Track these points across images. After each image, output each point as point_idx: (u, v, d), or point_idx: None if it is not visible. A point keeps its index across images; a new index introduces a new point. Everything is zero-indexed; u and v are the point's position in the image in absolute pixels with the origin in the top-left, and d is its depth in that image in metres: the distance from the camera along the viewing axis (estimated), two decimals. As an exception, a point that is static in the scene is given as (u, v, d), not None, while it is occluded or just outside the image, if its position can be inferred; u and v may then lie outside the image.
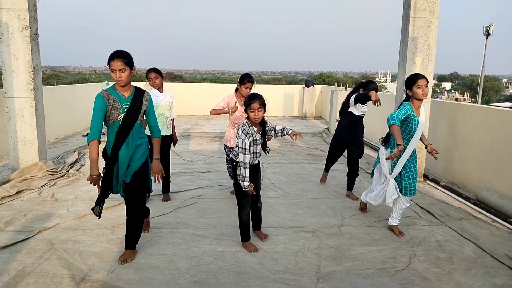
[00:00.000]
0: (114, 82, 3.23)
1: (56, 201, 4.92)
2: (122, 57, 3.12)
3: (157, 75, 4.77)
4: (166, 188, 5.10)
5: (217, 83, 25.96)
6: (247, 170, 3.48)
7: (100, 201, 3.34)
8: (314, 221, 4.43)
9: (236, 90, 4.97)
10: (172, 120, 5.05)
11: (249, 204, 3.71)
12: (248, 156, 3.45)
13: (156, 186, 5.01)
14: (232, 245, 3.77)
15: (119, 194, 3.41)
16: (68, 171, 6.14)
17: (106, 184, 3.30)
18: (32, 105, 5.84)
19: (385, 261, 3.53)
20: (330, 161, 5.70)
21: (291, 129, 3.76)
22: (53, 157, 6.98)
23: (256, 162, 3.72)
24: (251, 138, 3.49)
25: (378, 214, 4.64)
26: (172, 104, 4.96)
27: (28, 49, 5.75)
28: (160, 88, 4.83)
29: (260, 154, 3.68)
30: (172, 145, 5.09)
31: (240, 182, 3.51)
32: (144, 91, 3.36)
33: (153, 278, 3.17)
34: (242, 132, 3.46)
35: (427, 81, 3.91)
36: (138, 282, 3.10)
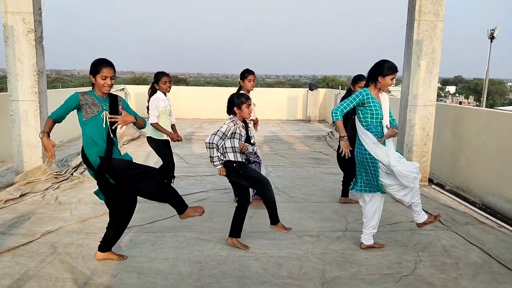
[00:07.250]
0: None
1: (60, 204, 4.92)
2: (112, 66, 3.21)
3: (170, 79, 4.92)
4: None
5: (220, 86, 26.04)
6: (212, 150, 3.56)
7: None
8: (318, 226, 4.40)
9: (239, 89, 4.88)
10: (173, 125, 5.11)
11: (267, 181, 3.71)
12: (216, 137, 3.54)
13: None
14: (236, 249, 3.74)
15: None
16: (72, 174, 6.13)
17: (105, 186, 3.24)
18: (36, 108, 5.86)
19: (390, 266, 3.49)
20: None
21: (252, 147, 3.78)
22: (57, 160, 6.99)
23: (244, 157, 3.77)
24: (238, 130, 3.64)
25: (383, 219, 4.57)
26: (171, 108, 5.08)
27: (33, 53, 5.76)
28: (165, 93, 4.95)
29: (243, 152, 3.71)
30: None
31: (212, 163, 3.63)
32: (116, 95, 3.39)
33: (156, 282, 3.15)
34: (232, 120, 3.66)
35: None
36: (141, 286, 3.08)
